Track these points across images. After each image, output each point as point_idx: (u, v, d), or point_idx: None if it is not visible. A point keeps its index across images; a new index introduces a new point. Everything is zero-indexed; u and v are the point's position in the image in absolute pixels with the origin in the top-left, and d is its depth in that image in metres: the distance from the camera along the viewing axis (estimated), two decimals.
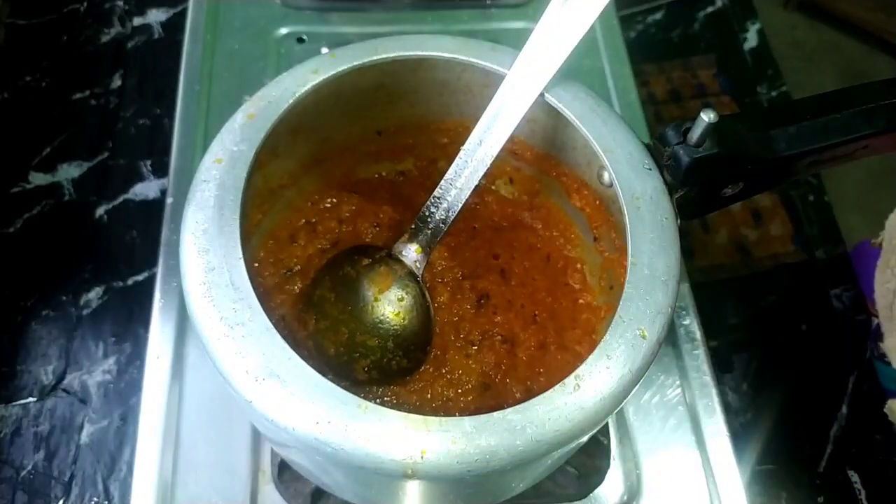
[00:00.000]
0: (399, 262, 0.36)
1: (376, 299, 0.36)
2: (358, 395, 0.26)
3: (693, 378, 0.45)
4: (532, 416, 0.26)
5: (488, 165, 0.33)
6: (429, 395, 0.36)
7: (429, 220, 0.35)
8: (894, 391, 0.48)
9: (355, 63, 0.34)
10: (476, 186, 0.34)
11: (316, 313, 0.35)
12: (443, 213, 0.34)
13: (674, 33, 0.73)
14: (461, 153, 0.34)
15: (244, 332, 0.27)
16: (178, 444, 0.40)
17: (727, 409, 0.44)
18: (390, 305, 0.36)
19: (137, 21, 0.66)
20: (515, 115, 0.33)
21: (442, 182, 0.34)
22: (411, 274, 0.36)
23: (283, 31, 0.58)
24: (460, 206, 0.34)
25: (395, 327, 0.35)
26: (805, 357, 0.56)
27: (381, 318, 0.35)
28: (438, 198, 0.34)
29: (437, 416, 0.25)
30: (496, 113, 0.33)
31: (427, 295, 0.36)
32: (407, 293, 0.36)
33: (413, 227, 0.35)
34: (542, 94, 0.33)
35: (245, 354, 0.26)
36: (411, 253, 0.36)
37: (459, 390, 0.36)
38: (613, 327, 0.28)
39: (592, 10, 0.32)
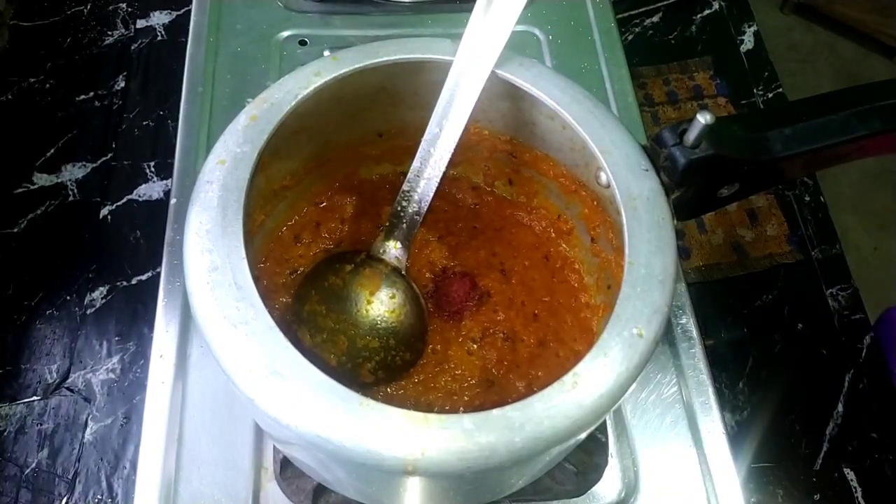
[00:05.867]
0: (381, 262, 0.36)
1: (369, 301, 0.36)
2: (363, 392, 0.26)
3: (690, 376, 0.45)
4: (531, 413, 0.26)
5: (451, 151, 0.34)
6: (432, 388, 0.36)
7: (402, 214, 0.35)
8: None
9: (357, 66, 0.35)
10: (444, 174, 0.34)
11: (309, 329, 0.35)
12: (415, 205, 0.35)
13: (671, 36, 0.74)
14: (423, 143, 0.34)
15: (247, 331, 0.27)
16: (182, 442, 0.41)
17: (724, 406, 0.45)
18: (384, 305, 0.36)
19: (140, 23, 0.66)
20: (469, 97, 0.33)
21: (409, 175, 0.35)
22: (395, 270, 0.36)
23: (286, 33, 0.58)
24: (431, 196, 0.35)
25: (394, 324, 0.36)
26: (801, 356, 0.57)
27: (378, 318, 0.36)
28: (408, 191, 0.35)
29: (441, 409, 0.26)
30: (450, 98, 0.34)
31: (415, 286, 0.37)
32: (397, 289, 0.36)
33: (388, 224, 0.36)
34: (537, 92, 0.34)
35: (248, 353, 0.27)
36: (391, 250, 0.36)
37: (463, 385, 0.36)
38: (611, 326, 0.29)
39: None
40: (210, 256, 0.29)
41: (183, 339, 0.44)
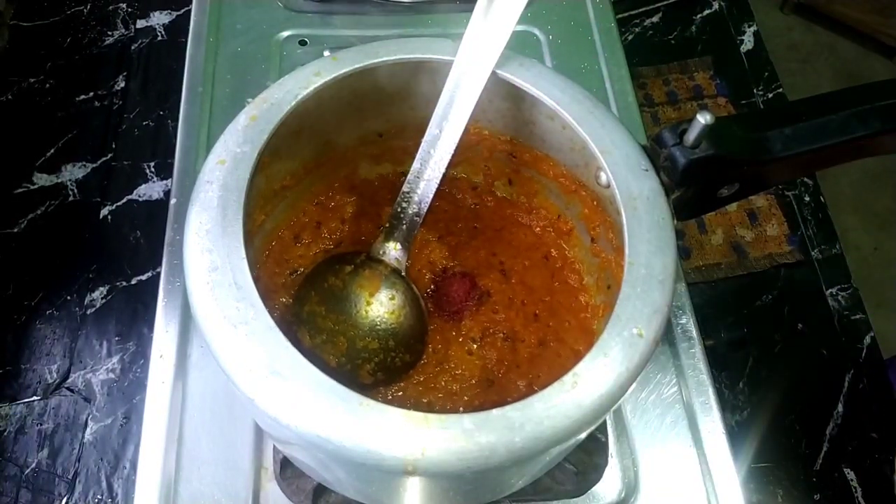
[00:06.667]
0: (381, 263, 0.36)
1: (368, 303, 0.36)
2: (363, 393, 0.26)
3: (690, 376, 0.45)
4: (531, 413, 0.26)
5: (451, 153, 0.34)
6: (432, 388, 0.36)
7: (402, 216, 0.35)
8: None
9: (357, 66, 0.35)
10: (444, 175, 0.34)
11: (309, 330, 0.35)
12: (415, 206, 0.35)
13: (671, 36, 0.74)
14: (422, 144, 0.34)
15: (247, 331, 0.27)
16: (182, 442, 0.41)
17: (723, 406, 0.45)
18: (383, 306, 0.36)
19: (141, 23, 0.66)
20: (470, 98, 0.34)
21: (409, 176, 0.35)
22: (395, 271, 0.36)
23: (286, 33, 0.58)
24: (430, 197, 0.35)
25: (393, 326, 0.36)
26: (801, 356, 0.57)
27: (378, 320, 0.36)
28: (408, 193, 0.35)
29: (442, 409, 0.26)
30: (450, 99, 0.34)
31: (414, 288, 0.37)
32: (397, 291, 0.36)
33: (388, 225, 0.36)
34: (537, 92, 0.34)
35: (248, 353, 0.27)
36: (391, 251, 0.36)
37: (463, 385, 0.36)
38: (611, 326, 0.29)
39: None
40: (210, 256, 0.29)
41: (183, 339, 0.44)
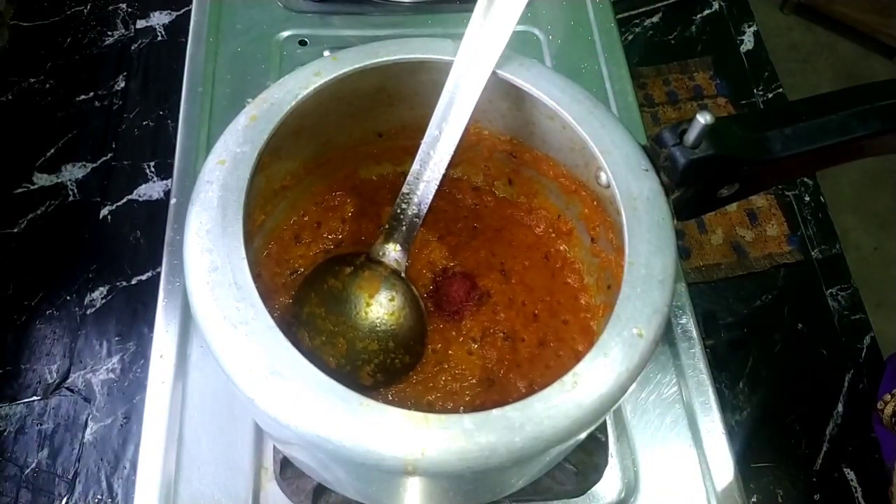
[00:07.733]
0: (380, 264, 0.36)
1: (368, 304, 0.36)
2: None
3: (690, 376, 0.45)
4: (531, 413, 0.26)
5: (451, 154, 0.34)
6: (432, 388, 0.36)
7: (402, 217, 0.35)
8: None
9: (357, 66, 0.35)
10: (444, 176, 0.34)
11: (308, 331, 0.35)
12: (414, 208, 0.35)
13: (671, 36, 0.74)
14: (422, 145, 0.34)
15: (247, 331, 0.27)
16: (182, 442, 0.41)
17: (723, 406, 0.45)
18: (383, 308, 0.36)
19: (140, 24, 0.66)
20: (469, 99, 0.33)
21: (408, 178, 0.35)
22: (395, 273, 0.36)
23: (286, 33, 0.58)
24: (430, 198, 0.35)
25: (393, 327, 0.36)
26: (801, 356, 0.57)
27: (377, 321, 0.36)
28: (407, 194, 0.35)
29: (442, 409, 0.25)
30: (450, 100, 0.34)
31: (414, 289, 0.37)
32: (396, 292, 0.36)
33: (387, 226, 0.36)
34: (537, 92, 0.34)
35: (248, 353, 0.27)
36: (390, 252, 0.36)
37: (463, 385, 0.36)
38: (611, 326, 0.29)
39: None
40: (210, 256, 0.29)
41: (183, 339, 0.44)
